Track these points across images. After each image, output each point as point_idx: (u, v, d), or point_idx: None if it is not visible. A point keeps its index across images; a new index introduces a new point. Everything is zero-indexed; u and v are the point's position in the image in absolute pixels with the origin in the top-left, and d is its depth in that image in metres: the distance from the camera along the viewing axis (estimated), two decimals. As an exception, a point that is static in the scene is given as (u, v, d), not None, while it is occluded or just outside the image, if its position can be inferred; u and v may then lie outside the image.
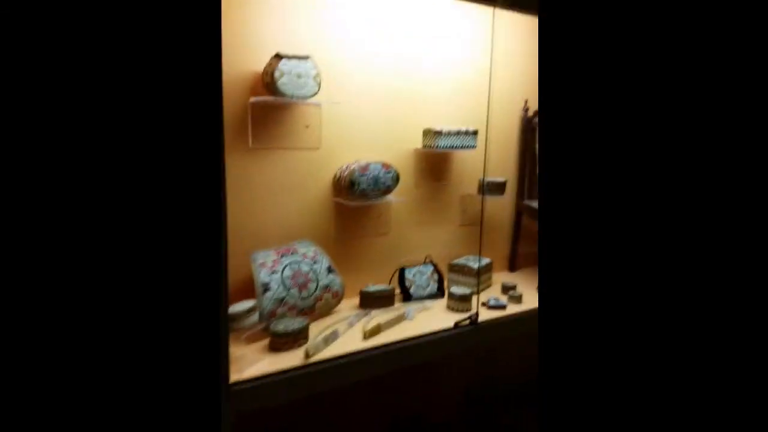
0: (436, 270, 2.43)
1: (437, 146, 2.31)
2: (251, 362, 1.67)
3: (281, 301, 1.87)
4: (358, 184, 2.05)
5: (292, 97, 1.86)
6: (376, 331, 1.95)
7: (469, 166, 2.58)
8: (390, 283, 2.33)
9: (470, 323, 2.10)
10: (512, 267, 2.90)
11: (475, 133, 2.40)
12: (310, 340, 1.82)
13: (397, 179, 2.18)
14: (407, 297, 2.31)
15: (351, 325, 2.01)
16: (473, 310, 2.18)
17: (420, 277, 2.38)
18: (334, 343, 1.85)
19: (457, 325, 2.07)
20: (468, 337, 2.09)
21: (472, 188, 2.58)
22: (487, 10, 2.18)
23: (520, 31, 2.65)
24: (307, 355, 1.71)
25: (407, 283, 2.33)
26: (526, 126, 2.75)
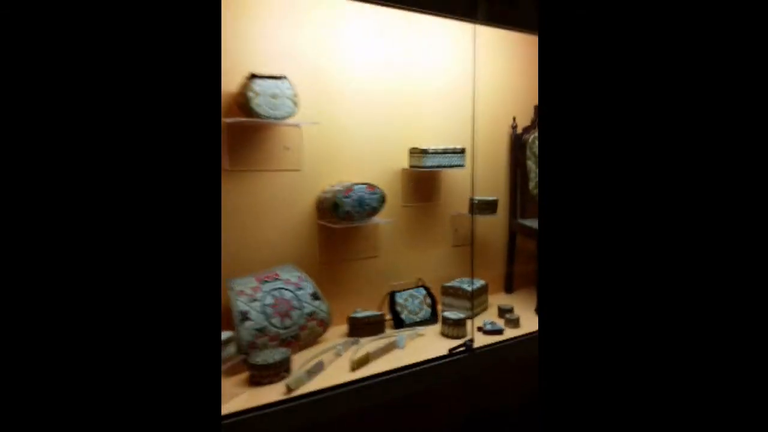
0: (429, 293, 2.33)
1: (424, 166, 2.24)
2: (229, 397, 1.56)
3: (261, 331, 1.76)
4: (342, 206, 1.97)
5: (267, 118, 1.80)
6: (365, 360, 1.83)
7: (459, 185, 2.50)
8: (380, 308, 2.22)
9: (466, 350, 1.99)
10: (508, 288, 2.80)
11: (462, 151, 2.34)
12: (292, 373, 1.70)
13: (383, 200, 2.10)
14: (398, 323, 2.20)
15: (338, 354, 1.90)
16: (468, 336, 2.06)
17: (412, 302, 2.27)
18: (318, 375, 1.73)
19: (451, 352, 1.95)
20: (464, 364, 1.97)
21: (463, 207, 2.51)
22: (471, 28, 2.14)
23: (507, 48, 2.63)
24: (288, 390, 1.60)
25: (398, 308, 2.22)
26: (516, 142, 2.69)
